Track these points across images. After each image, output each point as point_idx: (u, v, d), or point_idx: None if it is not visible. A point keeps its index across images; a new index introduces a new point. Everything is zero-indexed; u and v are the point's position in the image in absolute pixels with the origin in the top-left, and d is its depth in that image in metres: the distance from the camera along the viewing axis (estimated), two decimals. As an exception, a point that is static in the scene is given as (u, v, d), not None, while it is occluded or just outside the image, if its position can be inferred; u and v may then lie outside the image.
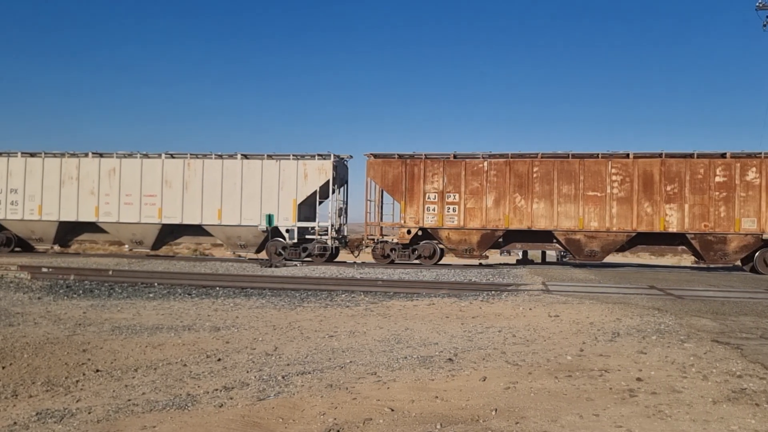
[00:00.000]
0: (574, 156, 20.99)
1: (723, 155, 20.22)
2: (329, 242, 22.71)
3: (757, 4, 30.76)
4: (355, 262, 22.66)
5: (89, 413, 5.41)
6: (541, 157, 21.18)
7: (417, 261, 22.18)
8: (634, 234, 20.56)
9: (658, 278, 17.50)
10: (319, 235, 22.80)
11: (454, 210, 21.58)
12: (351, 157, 23.85)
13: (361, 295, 13.90)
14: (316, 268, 20.31)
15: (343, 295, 13.93)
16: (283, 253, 22.60)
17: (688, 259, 23.43)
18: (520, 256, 26.58)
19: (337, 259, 24.01)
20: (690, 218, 20.10)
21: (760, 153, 20.01)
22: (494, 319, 10.26)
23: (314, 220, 23.07)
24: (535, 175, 21.11)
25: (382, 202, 22.79)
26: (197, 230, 23.85)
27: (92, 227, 24.57)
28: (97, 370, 7.20)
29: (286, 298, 13.39)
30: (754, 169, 19.91)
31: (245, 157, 23.15)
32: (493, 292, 14.16)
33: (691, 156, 20.35)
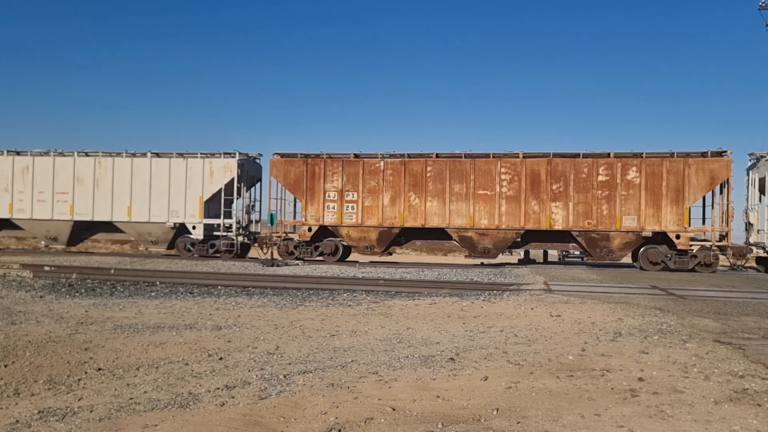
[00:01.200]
0: (467, 156, 21.67)
1: (607, 155, 20.88)
2: (235, 239, 23.43)
3: (760, 3, 30.71)
4: (275, 259, 22.64)
5: (91, 412, 5.42)
6: (436, 157, 21.88)
7: (320, 258, 22.75)
8: (522, 231, 21.27)
9: (659, 278, 17.48)
10: (225, 232, 23.49)
11: (352, 208, 22.26)
12: (261, 155, 24.49)
13: (362, 295, 13.90)
14: (317, 267, 20.32)
15: (345, 295, 13.94)
16: (192, 249, 23.40)
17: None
18: (522, 256, 26.58)
19: (250, 256, 24.82)
20: (574, 216, 20.77)
21: (642, 153, 20.62)
22: (496, 318, 10.25)
23: (228, 218, 23.71)
24: (429, 175, 21.77)
25: (285, 200, 23.62)
26: (110, 227, 24.55)
27: (8, 224, 25.23)
28: (99, 369, 7.22)
29: (287, 297, 13.40)
30: (634, 168, 20.53)
31: (157, 155, 23.82)
32: (494, 291, 14.16)
33: (577, 156, 21.00)
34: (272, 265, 20.31)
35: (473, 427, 4.58)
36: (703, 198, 21.36)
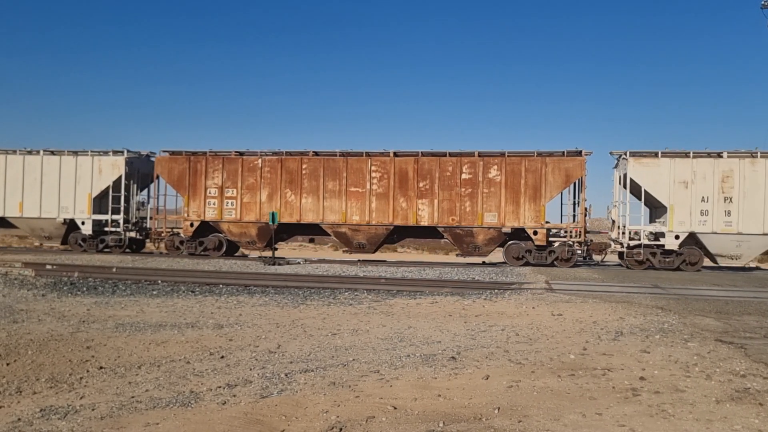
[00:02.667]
0: (341, 154, 22.27)
1: (472, 154, 21.43)
2: (123, 234, 24.07)
3: (763, 3, 30.66)
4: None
5: (93, 410, 5.43)
6: (313, 155, 22.51)
7: (206, 253, 23.18)
8: (392, 227, 21.85)
9: (661, 277, 17.46)
10: (114, 227, 24.07)
11: (232, 204, 22.85)
12: (154, 153, 24.84)
13: (364, 294, 13.90)
14: (319, 266, 20.33)
15: (347, 293, 13.94)
16: (83, 245, 23.95)
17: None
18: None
19: (144, 250, 25.69)
20: (439, 213, 21.41)
21: (504, 152, 21.25)
22: (497, 317, 10.25)
23: (116, 213, 24.12)
24: (304, 172, 22.38)
25: (178, 197, 24.15)
26: (4, 222, 25.07)
27: None
28: (101, 367, 7.23)
29: (289, 296, 13.41)
30: (496, 167, 21.17)
31: (51, 153, 24.22)
32: (496, 290, 14.15)
33: (443, 155, 21.61)
34: (273, 264, 20.33)
35: (474, 426, 4.58)
36: (562, 195, 21.88)
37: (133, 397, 5.83)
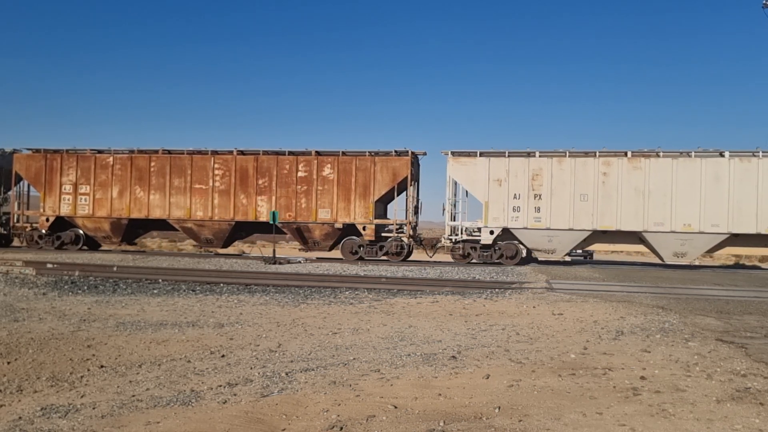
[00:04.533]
0: (188, 152, 23.28)
1: (309, 153, 22.44)
2: None
3: (764, 2, 30.62)
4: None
5: (94, 408, 5.43)
6: (162, 153, 23.41)
7: (65, 247, 24.08)
8: (234, 222, 22.87)
9: (662, 277, 17.45)
10: None
11: (85, 200, 23.92)
12: (18, 150, 25.35)
13: (364, 293, 13.91)
14: (319, 265, 20.33)
15: (347, 293, 13.94)
16: None
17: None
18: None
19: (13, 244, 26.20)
20: (277, 209, 22.41)
21: (339, 151, 22.22)
22: (498, 317, 10.25)
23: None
24: (152, 169, 23.35)
25: (29, 193, 25.24)
26: None
27: None
28: (102, 366, 7.23)
29: (289, 295, 13.41)
30: (329, 165, 22.20)
31: None
32: (496, 290, 14.14)
33: (282, 153, 22.66)
34: (274, 263, 20.34)
35: (475, 425, 4.58)
36: (393, 192, 22.62)
37: (133, 395, 5.84)
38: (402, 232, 22.08)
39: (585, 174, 20.50)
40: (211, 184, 22.91)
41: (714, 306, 11.15)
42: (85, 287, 14.34)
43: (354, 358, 7.08)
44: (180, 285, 15.00)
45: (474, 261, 21.40)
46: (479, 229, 21.46)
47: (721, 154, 19.93)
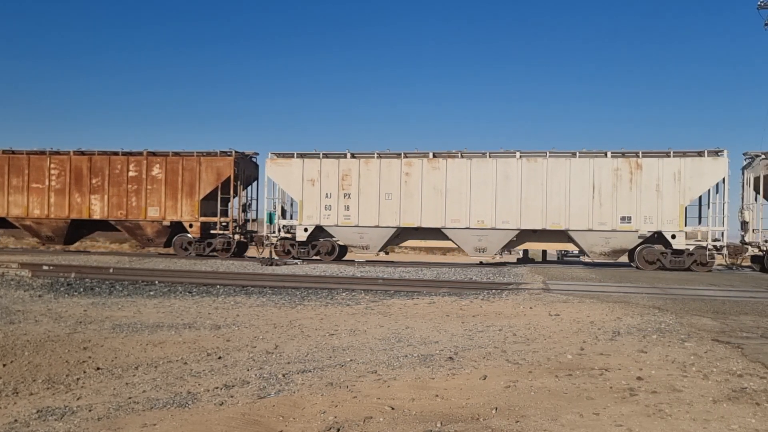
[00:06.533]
0: (27, 153, 24.43)
1: (140, 153, 23.59)
2: None
3: (759, 3, 30.75)
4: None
5: (90, 411, 5.42)
6: (2, 153, 24.51)
7: None
8: (69, 221, 24.13)
9: (658, 277, 17.50)
10: None
11: None
12: None
13: (361, 294, 13.90)
14: (316, 266, 20.32)
15: (344, 294, 13.93)
16: None
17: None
18: (521, 255, 26.61)
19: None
20: (109, 207, 23.79)
21: (168, 152, 23.50)
22: (495, 317, 10.26)
23: None
24: None
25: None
26: None
27: None
28: (98, 368, 7.21)
29: (286, 297, 13.40)
30: (158, 165, 23.46)
31: None
32: (493, 290, 14.16)
33: (116, 153, 23.88)
34: (271, 265, 20.33)
35: (472, 426, 4.58)
36: (218, 191, 23.52)
37: (130, 398, 5.82)
38: (219, 228, 23.34)
39: (390, 174, 21.70)
40: (47, 183, 24.11)
41: (710, 306, 11.18)
42: (81, 289, 14.31)
43: (351, 360, 7.07)
44: (176, 286, 14.97)
45: (295, 257, 22.44)
46: (295, 227, 22.60)
47: (513, 155, 21.01)
